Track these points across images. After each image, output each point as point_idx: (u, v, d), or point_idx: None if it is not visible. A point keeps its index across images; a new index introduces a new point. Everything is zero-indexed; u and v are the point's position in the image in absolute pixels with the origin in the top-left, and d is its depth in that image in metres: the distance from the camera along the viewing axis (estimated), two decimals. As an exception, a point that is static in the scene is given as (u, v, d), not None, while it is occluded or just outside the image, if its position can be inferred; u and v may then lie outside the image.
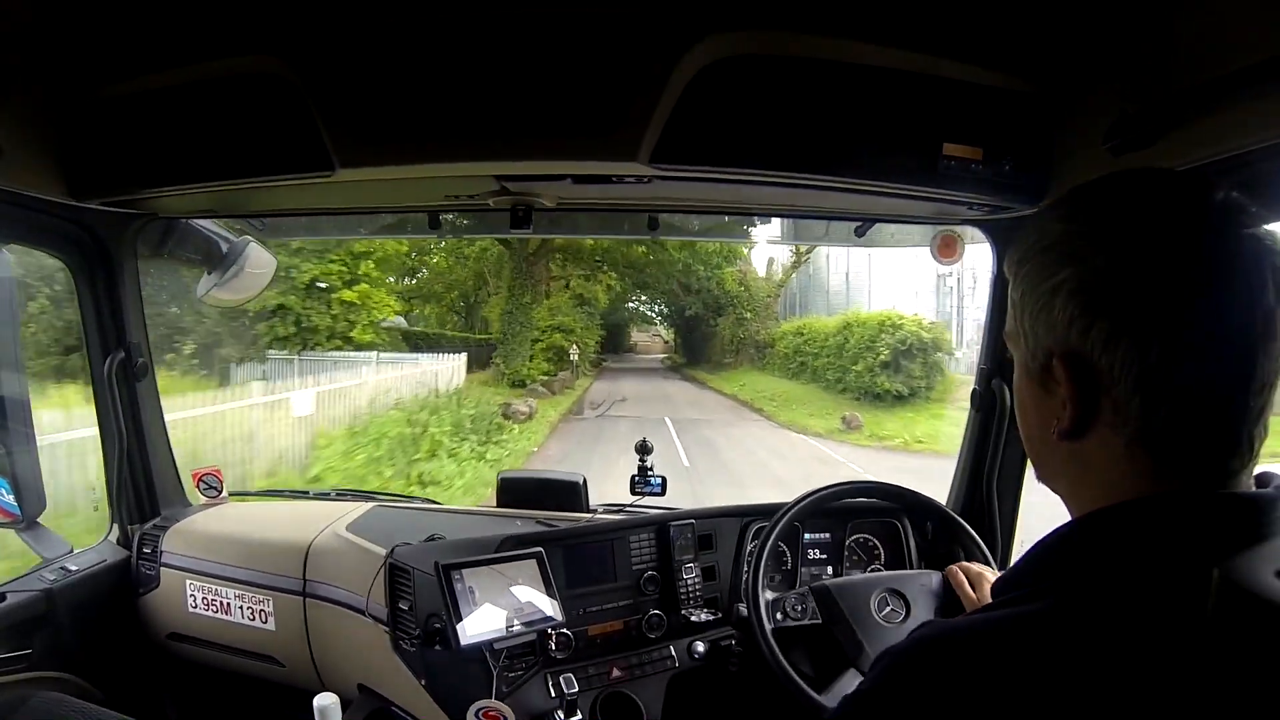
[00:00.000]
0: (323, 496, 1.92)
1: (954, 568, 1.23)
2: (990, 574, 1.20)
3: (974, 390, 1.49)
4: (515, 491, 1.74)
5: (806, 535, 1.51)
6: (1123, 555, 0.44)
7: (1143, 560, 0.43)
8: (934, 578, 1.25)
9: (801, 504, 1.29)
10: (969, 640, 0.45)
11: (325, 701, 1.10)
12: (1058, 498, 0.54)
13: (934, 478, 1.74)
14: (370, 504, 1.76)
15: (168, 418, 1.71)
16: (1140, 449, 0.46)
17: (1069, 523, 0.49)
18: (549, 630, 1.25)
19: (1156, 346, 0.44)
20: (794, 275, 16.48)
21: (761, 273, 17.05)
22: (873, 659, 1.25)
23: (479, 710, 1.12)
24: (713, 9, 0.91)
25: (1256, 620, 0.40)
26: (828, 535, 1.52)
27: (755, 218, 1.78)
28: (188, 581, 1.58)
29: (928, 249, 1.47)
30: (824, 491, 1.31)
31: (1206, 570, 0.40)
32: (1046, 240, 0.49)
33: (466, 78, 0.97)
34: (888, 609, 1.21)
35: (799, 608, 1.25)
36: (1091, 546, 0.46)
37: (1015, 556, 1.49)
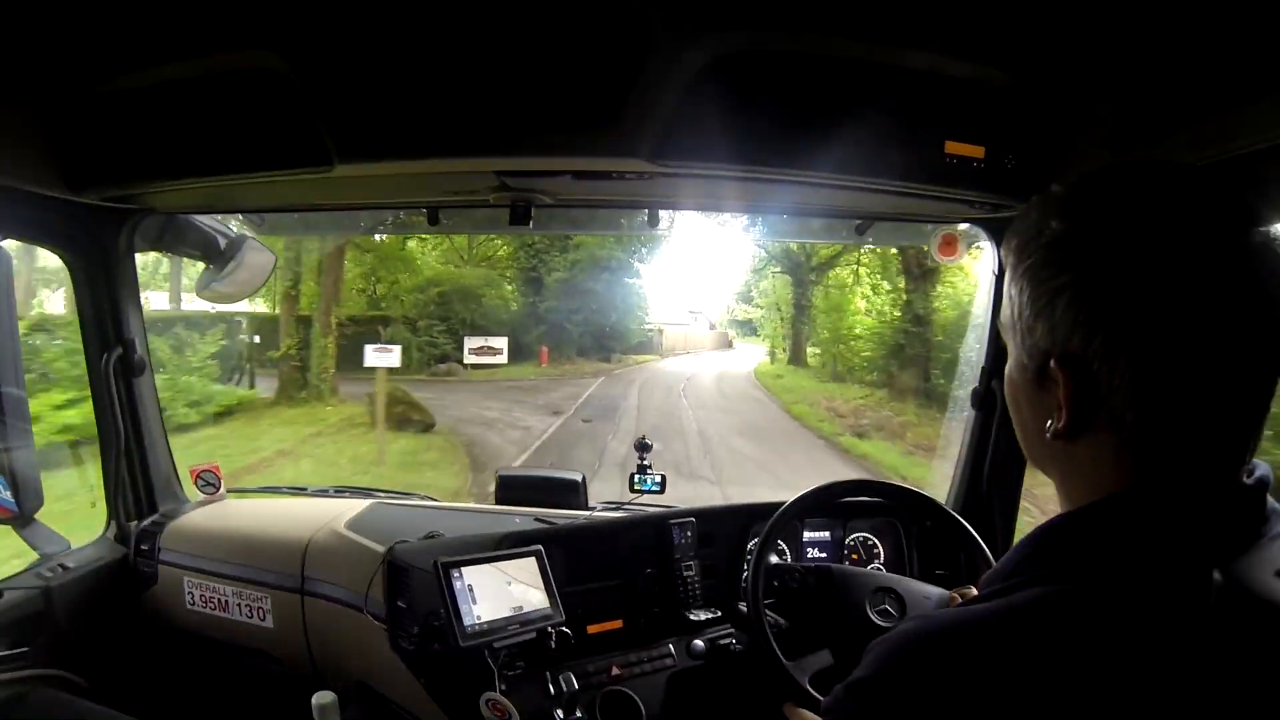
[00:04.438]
0: (321, 494, 1.91)
1: (956, 594, 1.20)
2: None
3: (974, 390, 1.49)
4: (515, 489, 1.73)
5: (806, 533, 1.51)
6: (1116, 547, 0.44)
7: (1137, 552, 0.43)
8: (939, 595, 1.23)
9: (801, 501, 1.29)
10: (961, 631, 0.44)
11: (324, 700, 1.10)
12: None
13: None
14: (369, 501, 1.75)
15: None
16: (1133, 454, 0.45)
17: (1060, 515, 0.49)
18: (548, 628, 1.24)
19: (1159, 363, 0.42)
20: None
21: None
22: (849, 647, 1.22)
23: (488, 700, 1.12)
24: (715, 5, 0.90)
25: (1256, 618, 0.39)
26: (827, 534, 1.52)
27: (757, 215, 1.78)
28: (185, 579, 1.58)
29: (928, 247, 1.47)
30: (823, 489, 1.31)
31: (1205, 564, 0.40)
32: (1048, 237, 0.47)
33: (466, 73, 0.96)
34: (881, 607, 1.21)
35: (796, 579, 1.27)
36: (1084, 538, 0.46)
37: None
